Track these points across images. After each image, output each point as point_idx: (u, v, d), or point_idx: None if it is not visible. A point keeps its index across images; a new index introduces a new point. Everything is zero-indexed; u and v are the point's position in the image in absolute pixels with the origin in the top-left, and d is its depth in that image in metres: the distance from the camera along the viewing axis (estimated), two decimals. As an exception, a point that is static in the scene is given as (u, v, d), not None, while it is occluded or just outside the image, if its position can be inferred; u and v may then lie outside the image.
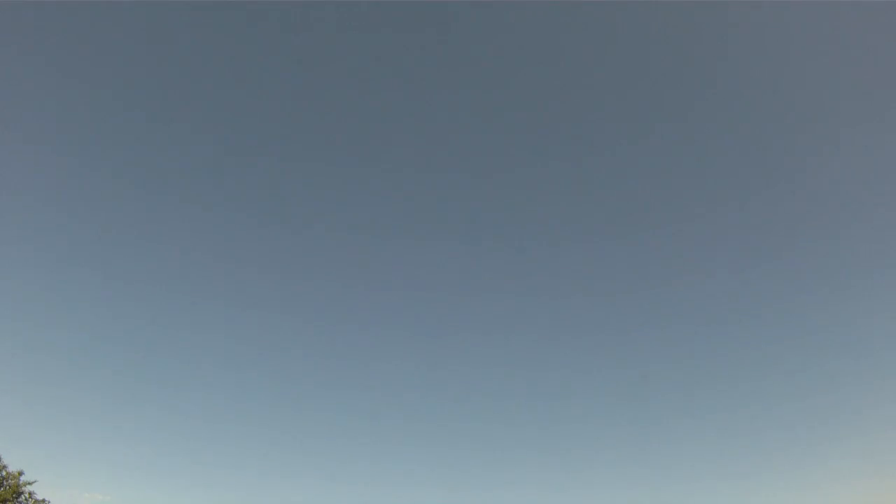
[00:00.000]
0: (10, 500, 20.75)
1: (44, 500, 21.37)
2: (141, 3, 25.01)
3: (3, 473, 20.86)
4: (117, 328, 29.76)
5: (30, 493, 21.02)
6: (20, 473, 21.00)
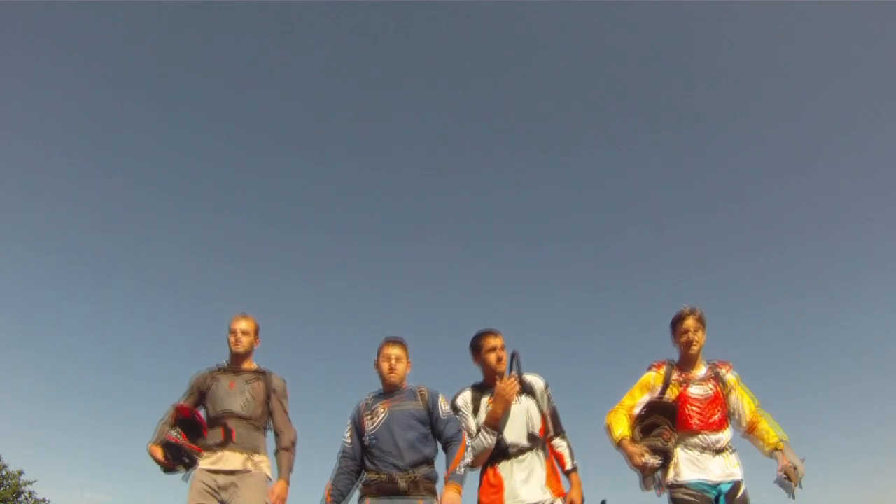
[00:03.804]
0: (10, 500, 20.16)
1: (44, 500, 20.71)
2: (141, 3, 24.62)
3: (3, 473, 20.27)
4: (118, 328, 29.13)
5: (30, 493, 20.37)
6: (20, 473, 20.40)
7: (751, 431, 3.06)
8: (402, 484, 2.81)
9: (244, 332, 3.43)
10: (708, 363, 3.19)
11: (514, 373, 3.04)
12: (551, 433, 3.11)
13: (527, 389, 3.11)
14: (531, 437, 3.00)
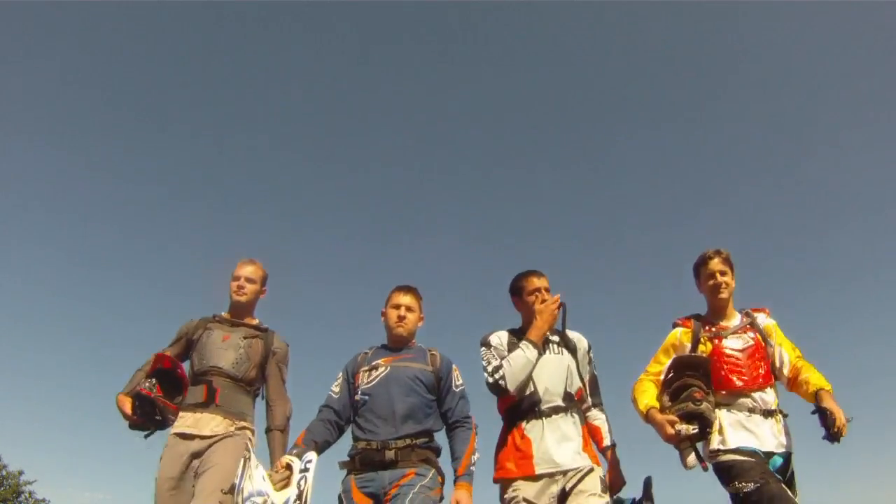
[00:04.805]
0: (10, 500, 19.97)
1: (44, 500, 20.47)
2: (141, 3, 24.43)
3: (3, 473, 20.09)
4: (118, 327, 28.94)
5: (30, 493, 20.19)
6: (20, 473, 20.20)
7: (793, 379, 2.62)
8: (391, 454, 2.35)
9: (249, 279, 2.93)
10: (741, 312, 2.77)
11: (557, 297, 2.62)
12: (588, 402, 2.66)
13: (569, 346, 2.67)
14: (567, 396, 2.53)
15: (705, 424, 2.37)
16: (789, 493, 2.30)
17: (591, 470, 2.39)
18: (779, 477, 2.38)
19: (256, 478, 2.17)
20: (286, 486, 2.20)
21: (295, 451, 2.37)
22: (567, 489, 2.34)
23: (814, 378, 2.57)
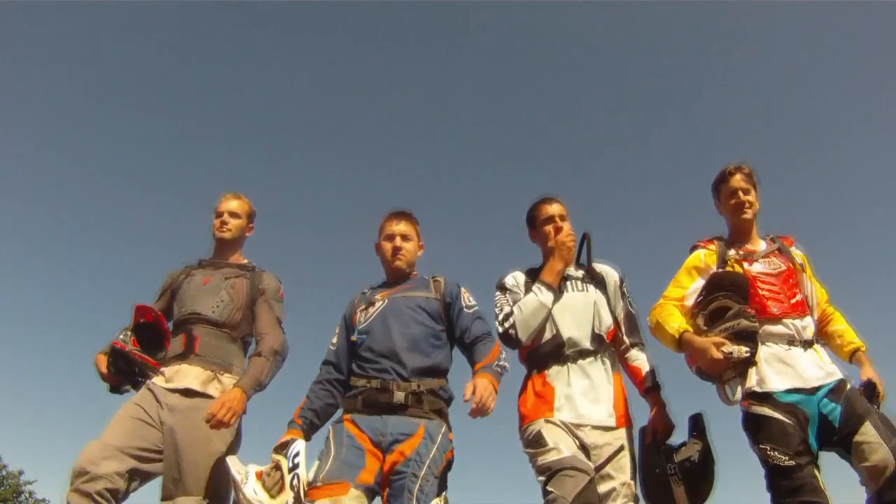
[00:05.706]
0: (10, 500, 19.89)
1: (44, 500, 20.38)
2: (140, 2, 24.20)
3: (4, 473, 20.02)
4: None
5: (30, 493, 20.14)
6: (20, 473, 20.11)
7: (822, 326, 2.36)
8: (399, 395, 2.02)
9: (233, 214, 2.61)
10: (765, 238, 2.46)
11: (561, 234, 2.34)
12: (626, 343, 2.32)
13: (596, 280, 2.38)
14: (596, 338, 2.23)
15: (755, 349, 2.01)
16: (820, 481, 1.95)
17: (622, 448, 2.10)
18: (815, 451, 2.02)
19: (248, 493, 1.94)
20: (282, 489, 1.97)
21: (280, 444, 2.08)
22: (595, 464, 2.05)
23: (848, 335, 2.32)
